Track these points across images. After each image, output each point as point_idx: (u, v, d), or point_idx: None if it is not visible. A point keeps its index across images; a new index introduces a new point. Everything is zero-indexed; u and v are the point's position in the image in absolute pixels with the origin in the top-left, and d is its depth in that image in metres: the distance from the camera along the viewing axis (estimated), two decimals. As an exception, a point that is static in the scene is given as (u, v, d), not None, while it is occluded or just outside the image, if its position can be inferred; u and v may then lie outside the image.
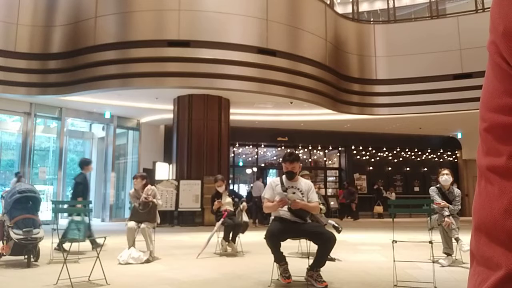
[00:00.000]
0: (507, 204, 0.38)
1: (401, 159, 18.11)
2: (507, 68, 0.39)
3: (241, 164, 17.35)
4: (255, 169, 17.01)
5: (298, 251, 5.69)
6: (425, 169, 17.98)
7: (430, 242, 4.01)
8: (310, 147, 17.39)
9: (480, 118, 0.41)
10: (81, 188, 6.44)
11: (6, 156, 14.17)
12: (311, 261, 4.01)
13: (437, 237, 5.12)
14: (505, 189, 0.38)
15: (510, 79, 0.39)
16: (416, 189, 17.78)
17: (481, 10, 13.13)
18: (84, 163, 6.75)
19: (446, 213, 5.11)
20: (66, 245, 5.03)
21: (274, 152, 17.72)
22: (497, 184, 0.39)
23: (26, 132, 12.08)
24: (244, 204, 6.42)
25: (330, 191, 17.86)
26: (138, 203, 5.61)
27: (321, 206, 5.24)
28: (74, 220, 5.78)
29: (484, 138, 0.41)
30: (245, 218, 6.34)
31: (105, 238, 4.22)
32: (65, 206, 7.33)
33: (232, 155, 16.10)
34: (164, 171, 12.82)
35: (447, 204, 5.19)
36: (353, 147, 17.52)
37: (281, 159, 15.37)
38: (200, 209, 11.41)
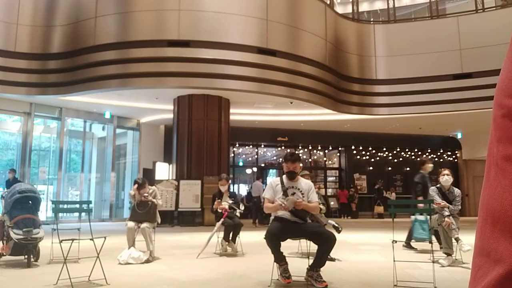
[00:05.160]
0: None
1: (401, 159, 18.10)
2: None
3: (241, 164, 17.35)
4: (255, 169, 17.01)
5: (298, 251, 5.69)
6: (425, 169, 17.94)
7: (430, 242, 4.01)
8: (310, 147, 17.39)
9: (497, 105, 0.40)
10: (420, 187, 6.37)
11: (6, 156, 14.19)
12: (311, 261, 4.01)
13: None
14: None
15: None
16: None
17: (481, 10, 13.13)
18: (421, 163, 6.71)
19: (446, 213, 5.12)
20: (66, 246, 5.03)
21: (274, 152, 17.72)
22: (510, 173, 0.38)
23: (26, 132, 12.08)
24: (241, 209, 6.46)
25: (330, 191, 17.86)
26: (137, 203, 5.60)
27: (321, 206, 5.25)
28: (418, 219, 5.68)
29: (501, 125, 0.40)
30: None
31: (105, 238, 4.21)
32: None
33: (232, 155, 16.10)
34: (164, 171, 12.82)
35: (447, 204, 5.19)
36: (353, 147, 17.52)
37: (281, 159, 15.38)
38: (200, 209, 11.41)
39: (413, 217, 5.84)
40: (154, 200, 5.67)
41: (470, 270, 0.41)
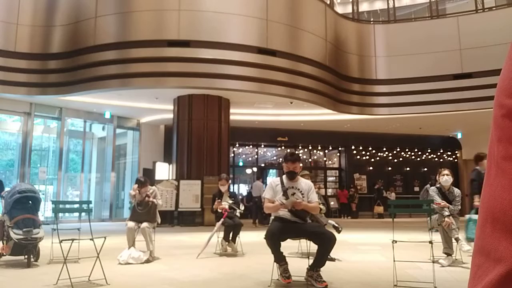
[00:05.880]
0: None
1: (401, 159, 18.10)
2: None
3: (241, 164, 17.35)
4: (255, 169, 17.01)
5: (298, 251, 5.69)
6: (425, 169, 17.97)
7: (430, 242, 4.01)
8: (310, 147, 17.39)
9: (498, 105, 0.41)
10: (476, 185, 5.83)
11: (6, 156, 14.19)
12: (311, 261, 4.01)
13: (437, 237, 5.12)
14: None
15: None
16: (416, 189, 17.76)
17: (481, 10, 13.13)
18: (478, 159, 6.03)
19: (446, 213, 5.12)
20: (66, 246, 5.03)
21: (274, 152, 17.72)
22: (509, 173, 0.38)
23: (26, 132, 12.08)
24: (241, 209, 6.45)
25: (330, 191, 17.86)
26: (137, 203, 5.61)
27: (321, 206, 5.25)
28: (473, 218, 5.34)
29: (501, 124, 0.40)
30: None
31: (105, 238, 4.21)
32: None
33: (232, 155, 16.10)
34: (164, 171, 12.82)
35: (447, 204, 5.19)
36: (353, 147, 17.52)
37: (281, 159, 15.38)
38: (200, 209, 11.41)
39: (467, 216, 5.53)
40: (154, 200, 5.67)
41: (470, 269, 0.41)
